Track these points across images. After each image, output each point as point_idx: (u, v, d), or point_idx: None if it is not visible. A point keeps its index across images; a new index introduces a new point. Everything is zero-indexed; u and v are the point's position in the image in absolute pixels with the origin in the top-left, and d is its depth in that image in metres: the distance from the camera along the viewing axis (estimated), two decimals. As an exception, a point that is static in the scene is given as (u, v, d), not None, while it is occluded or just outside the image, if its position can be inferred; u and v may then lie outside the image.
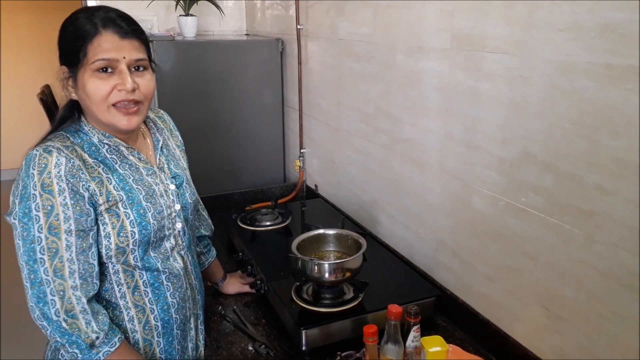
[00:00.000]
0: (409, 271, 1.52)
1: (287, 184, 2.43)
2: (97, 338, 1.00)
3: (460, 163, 1.33)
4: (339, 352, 1.16)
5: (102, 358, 1.01)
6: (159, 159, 1.19)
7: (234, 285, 1.55)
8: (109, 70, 1.02)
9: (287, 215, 1.92)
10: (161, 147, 1.21)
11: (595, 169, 0.96)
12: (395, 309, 1.06)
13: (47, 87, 5.13)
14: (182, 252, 1.20)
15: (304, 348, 1.25)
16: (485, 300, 1.30)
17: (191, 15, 2.48)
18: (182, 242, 1.20)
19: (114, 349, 1.02)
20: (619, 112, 0.90)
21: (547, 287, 1.10)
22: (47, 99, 4.65)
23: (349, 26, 1.79)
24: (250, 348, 1.28)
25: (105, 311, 1.04)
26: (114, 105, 1.03)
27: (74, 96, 1.06)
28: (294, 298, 1.35)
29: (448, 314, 1.41)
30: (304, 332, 1.24)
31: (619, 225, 0.93)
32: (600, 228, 0.97)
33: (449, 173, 1.37)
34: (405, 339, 1.10)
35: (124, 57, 1.02)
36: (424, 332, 1.14)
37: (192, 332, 1.25)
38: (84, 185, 1.00)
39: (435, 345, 1.12)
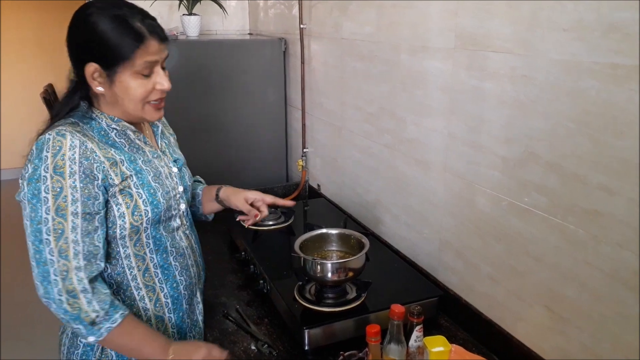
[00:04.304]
0: (412, 271, 1.52)
1: (290, 184, 2.43)
2: (97, 316, 1.03)
3: (464, 163, 1.32)
4: (341, 352, 1.16)
5: (105, 334, 1.04)
6: (160, 143, 1.26)
7: (238, 198, 1.42)
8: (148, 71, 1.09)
9: (289, 215, 1.91)
10: (160, 133, 1.27)
11: (599, 169, 0.96)
12: (398, 308, 1.06)
13: (50, 86, 5.13)
14: (187, 232, 1.27)
15: (306, 347, 1.25)
16: (488, 300, 1.30)
17: (194, 14, 2.48)
18: (186, 221, 1.27)
19: (115, 324, 1.04)
20: (624, 112, 0.90)
21: (550, 288, 1.10)
22: (50, 98, 4.66)
23: (353, 26, 1.79)
24: (253, 347, 1.28)
25: (108, 290, 1.07)
26: (148, 102, 1.11)
27: (99, 89, 1.09)
28: (297, 297, 1.35)
29: (451, 314, 1.41)
30: (306, 331, 1.24)
31: (623, 225, 0.92)
32: (604, 228, 0.96)
33: (453, 173, 1.37)
34: (408, 338, 1.09)
35: (161, 59, 1.10)
36: (427, 332, 1.14)
37: (200, 306, 1.32)
38: (97, 167, 1.04)
39: (438, 345, 1.12)
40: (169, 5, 2.63)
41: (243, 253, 1.68)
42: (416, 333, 1.10)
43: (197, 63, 2.25)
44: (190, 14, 2.48)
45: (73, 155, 1.01)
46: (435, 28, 1.36)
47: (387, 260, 1.58)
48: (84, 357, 1.15)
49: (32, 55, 5.46)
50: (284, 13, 2.40)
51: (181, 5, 2.50)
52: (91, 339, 1.04)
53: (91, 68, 1.06)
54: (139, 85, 1.08)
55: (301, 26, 2.16)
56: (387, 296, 1.35)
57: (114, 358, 1.16)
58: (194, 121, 2.26)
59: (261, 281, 1.49)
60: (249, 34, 2.87)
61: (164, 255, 1.19)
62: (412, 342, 1.10)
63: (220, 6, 2.59)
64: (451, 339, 1.24)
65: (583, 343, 1.04)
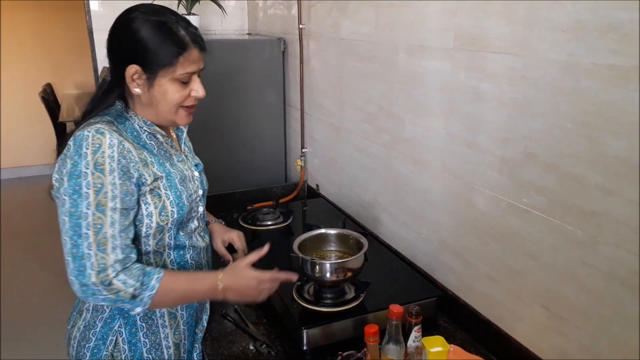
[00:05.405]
0: (410, 271, 1.52)
1: (289, 184, 2.43)
2: (135, 289, 1.05)
3: (462, 163, 1.32)
4: (340, 352, 1.16)
5: (149, 302, 1.07)
6: (183, 148, 1.31)
7: (217, 241, 1.46)
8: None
9: (288, 215, 1.92)
10: (184, 138, 1.32)
11: (597, 169, 0.96)
12: (396, 309, 1.06)
13: (49, 85, 5.14)
14: (202, 233, 1.32)
15: (305, 348, 1.25)
16: (486, 300, 1.30)
17: (193, 14, 2.48)
18: (202, 224, 1.32)
19: (154, 291, 1.07)
20: (622, 112, 0.90)
21: (548, 288, 1.10)
22: (48, 97, 4.67)
23: (351, 26, 1.79)
24: (252, 347, 1.28)
25: (137, 264, 1.09)
26: (183, 107, 1.16)
27: (137, 91, 1.13)
28: (295, 298, 1.35)
29: (449, 314, 1.41)
30: (305, 331, 1.24)
31: (621, 225, 0.93)
32: (602, 228, 0.96)
33: (451, 173, 1.37)
34: (406, 339, 1.10)
35: (199, 68, 1.16)
36: (425, 332, 1.14)
37: (207, 304, 1.37)
38: (134, 166, 1.07)
39: (436, 345, 1.12)
40: (168, 4, 2.62)
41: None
42: (414, 333, 1.10)
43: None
44: (189, 13, 2.48)
45: (112, 153, 1.04)
46: (433, 28, 1.36)
47: (385, 260, 1.58)
48: (95, 351, 1.17)
49: (31, 56, 5.45)
50: (283, 13, 2.40)
51: (180, 5, 2.50)
52: (138, 309, 1.07)
53: (132, 70, 1.10)
54: (177, 90, 1.12)
55: (300, 26, 2.16)
56: (386, 296, 1.35)
57: (127, 352, 1.18)
58: (192, 121, 2.26)
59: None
60: (247, 33, 2.87)
61: (181, 253, 1.23)
62: (410, 342, 1.10)
63: (219, 6, 2.58)
64: (449, 339, 1.24)
65: (581, 343, 1.04)
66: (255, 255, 1.24)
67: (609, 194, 0.94)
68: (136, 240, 1.13)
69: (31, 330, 2.99)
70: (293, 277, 1.25)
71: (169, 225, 1.16)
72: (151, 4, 1.15)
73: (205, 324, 1.36)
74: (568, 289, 1.05)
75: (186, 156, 1.29)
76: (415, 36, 1.44)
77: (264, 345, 1.28)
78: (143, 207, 1.11)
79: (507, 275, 1.22)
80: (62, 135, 4.50)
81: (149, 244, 1.15)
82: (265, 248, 1.27)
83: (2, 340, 2.89)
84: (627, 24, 0.87)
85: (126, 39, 1.10)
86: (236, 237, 1.46)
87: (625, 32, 0.87)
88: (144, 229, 1.12)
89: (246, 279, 1.18)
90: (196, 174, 1.30)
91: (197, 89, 1.16)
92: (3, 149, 5.53)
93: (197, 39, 1.13)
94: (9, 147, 5.54)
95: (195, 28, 1.16)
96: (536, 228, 1.11)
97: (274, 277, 1.21)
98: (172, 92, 1.12)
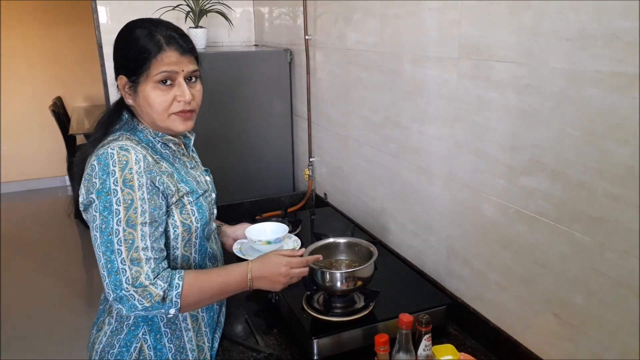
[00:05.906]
0: (419, 279, 1.53)
1: (297, 193, 2.44)
2: (164, 290, 1.06)
3: (469, 171, 1.33)
4: (350, 361, 1.16)
5: (179, 301, 1.07)
6: (192, 155, 1.33)
7: (228, 242, 1.50)
8: (168, 82, 1.13)
9: (296, 224, 1.92)
10: (192, 145, 1.34)
11: (604, 176, 0.96)
12: (406, 317, 1.06)
13: (59, 99, 5.20)
14: (216, 236, 1.36)
15: (315, 357, 1.26)
16: (496, 308, 1.30)
17: (201, 27, 2.51)
18: (215, 227, 1.34)
19: (180, 289, 1.08)
20: (627, 120, 0.90)
21: (558, 295, 1.10)
22: (58, 110, 4.72)
23: (357, 36, 1.80)
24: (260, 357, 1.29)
25: (167, 269, 1.10)
26: (173, 113, 1.15)
27: (130, 102, 1.16)
28: (305, 307, 1.35)
29: (459, 322, 1.41)
30: (315, 341, 1.24)
31: (629, 232, 0.93)
32: (610, 235, 0.97)
33: (458, 181, 1.38)
34: (416, 348, 1.10)
35: (182, 70, 1.14)
36: (435, 341, 1.14)
37: (224, 309, 1.39)
38: (159, 179, 1.10)
39: (446, 353, 1.12)
40: (176, 18, 2.66)
41: (251, 263, 1.69)
42: (425, 342, 1.10)
43: (204, 75, 2.24)
44: (197, 26, 2.51)
45: (139, 169, 1.06)
46: (438, 38, 1.38)
47: (394, 269, 1.58)
48: (119, 357, 1.18)
49: (41, 70, 5.50)
50: (289, 24, 2.42)
51: (187, 18, 2.54)
52: (172, 311, 1.07)
53: (122, 81, 1.14)
54: (158, 95, 1.12)
55: (306, 37, 2.18)
56: (395, 305, 1.35)
57: (153, 358, 1.19)
58: (200, 132, 2.27)
59: (269, 292, 1.49)
60: (254, 45, 2.90)
61: (203, 256, 1.25)
62: (420, 351, 1.10)
63: (226, 18, 2.62)
64: (460, 348, 1.24)
65: (592, 350, 1.04)
66: (288, 252, 1.26)
67: (617, 200, 0.94)
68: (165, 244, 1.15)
69: (31, 330, 3.01)
70: (319, 257, 1.30)
71: (196, 231, 1.19)
72: (145, 18, 1.17)
73: (222, 326, 1.37)
74: (578, 296, 1.05)
75: (196, 162, 1.33)
76: (421, 46, 1.46)
77: (274, 357, 1.28)
78: (169, 218, 1.14)
79: (516, 283, 1.22)
80: (72, 147, 4.54)
81: (177, 247, 1.18)
82: (302, 251, 1.30)
83: (2, 340, 2.91)
84: (631, 32, 0.88)
85: (114, 51, 1.15)
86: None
87: (629, 40, 0.88)
88: (171, 236, 1.16)
89: (276, 265, 1.19)
90: (208, 178, 1.34)
91: (182, 93, 1.13)
92: (15, 161, 5.59)
93: (174, 41, 1.12)
94: (21, 160, 5.60)
95: (178, 32, 1.15)
96: (545, 235, 1.12)
97: (304, 261, 1.24)
98: (153, 98, 1.12)
